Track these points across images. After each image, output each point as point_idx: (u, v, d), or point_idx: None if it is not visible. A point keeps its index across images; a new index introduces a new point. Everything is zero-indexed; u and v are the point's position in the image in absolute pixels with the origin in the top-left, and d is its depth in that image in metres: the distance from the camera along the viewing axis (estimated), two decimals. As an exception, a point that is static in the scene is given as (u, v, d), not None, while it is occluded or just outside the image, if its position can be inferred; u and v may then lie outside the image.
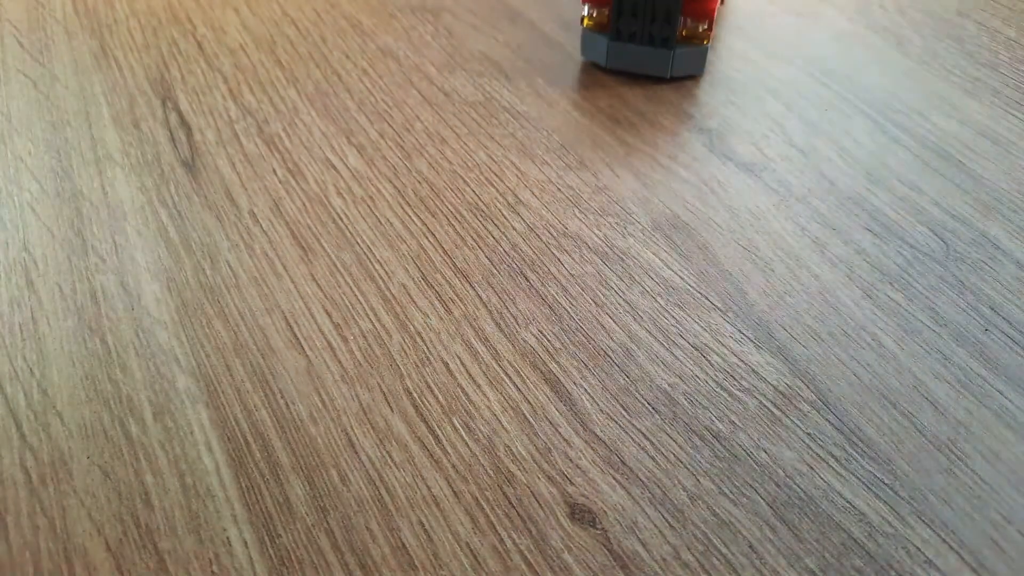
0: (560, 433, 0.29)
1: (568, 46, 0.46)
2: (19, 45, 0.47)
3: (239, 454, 0.29)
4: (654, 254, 0.35)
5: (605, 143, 0.40)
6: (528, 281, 0.34)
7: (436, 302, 0.33)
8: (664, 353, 0.31)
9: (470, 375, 0.31)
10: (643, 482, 0.28)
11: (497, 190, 0.38)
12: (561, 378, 0.31)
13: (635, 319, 0.32)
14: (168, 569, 0.26)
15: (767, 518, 0.27)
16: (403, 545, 0.26)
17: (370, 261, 0.35)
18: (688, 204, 0.37)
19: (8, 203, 0.38)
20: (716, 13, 0.42)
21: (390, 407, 0.30)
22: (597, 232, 0.36)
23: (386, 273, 0.34)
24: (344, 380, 0.31)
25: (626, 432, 0.29)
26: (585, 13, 0.43)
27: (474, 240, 0.36)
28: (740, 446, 0.28)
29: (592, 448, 0.29)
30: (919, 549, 0.26)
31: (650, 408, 0.30)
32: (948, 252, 0.34)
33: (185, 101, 0.43)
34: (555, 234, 0.36)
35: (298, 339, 0.32)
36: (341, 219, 0.37)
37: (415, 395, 0.30)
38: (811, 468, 0.28)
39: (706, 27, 0.41)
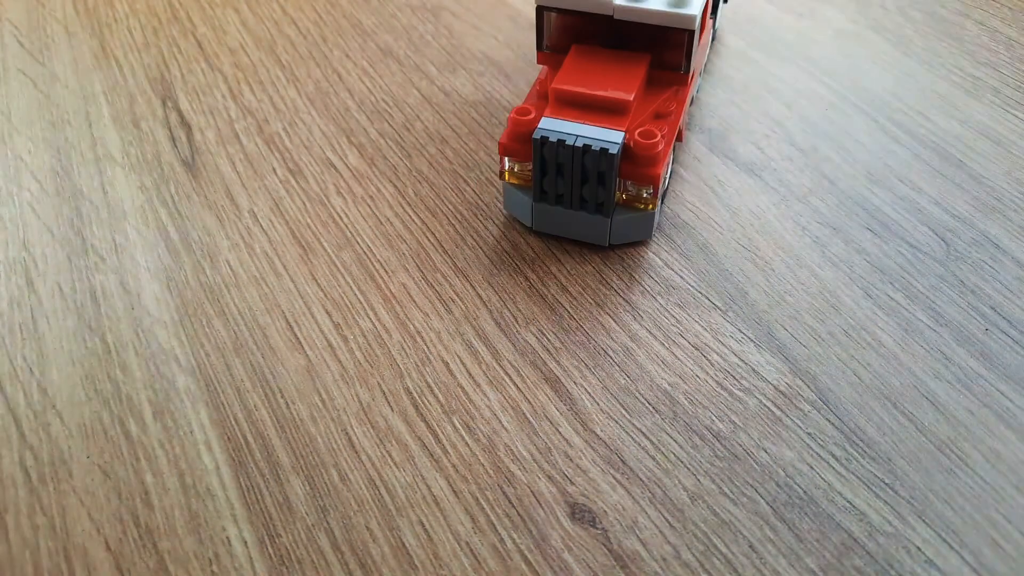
0: (560, 433, 0.29)
1: (568, 46, 0.46)
2: (19, 44, 0.47)
3: (239, 454, 0.29)
4: (654, 254, 0.35)
5: (605, 143, 0.40)
6: (528, 281, 0.34)
7: (436, 302, 0.33)
8: (664, 353, 0.31)
9: (470, 375, 0.31)
10: (643, 482, 0.28)
11: (498, 189, 0.38)
12: (561, 378, 0.31)
13: (635, 319, 0.32)
14: (168, 568, 0.26)
15: (767, 518, 0.27)
16: (403, 545, 0.26)
17: (370, 261, 0.35)
18: (688, 204, 0.37)
19: (8, 202, 0.38)
20: (664, 177, 0.33)
21: (390, 406, 0.30)
22: (597, 232, 0.36)
23: (386, 273, 0.34)
24: (344, 380, 0.31)
25: (626, 432, 0.29)
26: (505, 167, 0.34)
27: (474, 239, 0.36)
28: (740, 446, 0.28)
29: (592, 448, 0.29)
30: (919, 549, 0.26)
31: (650, 408, 0.30)
32: (948, 252, 0.34)
33: (185, 100, 0.43)
34: (555, 234, 0.36)
35: (298, 339, 0.32)
36: (341, 219, 0.37)
37: (415, 395, 0.30)
38: (811, 468, 0.28)
39: (651, 192, 0.33)
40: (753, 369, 0.31)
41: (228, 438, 0.29)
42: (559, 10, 0.34)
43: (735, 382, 0.30)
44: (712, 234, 0.35)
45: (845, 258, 0.34)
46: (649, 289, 0.33)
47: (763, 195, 0.37)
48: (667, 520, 0.27)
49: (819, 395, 0.30)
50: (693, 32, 0.33)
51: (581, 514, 0.27)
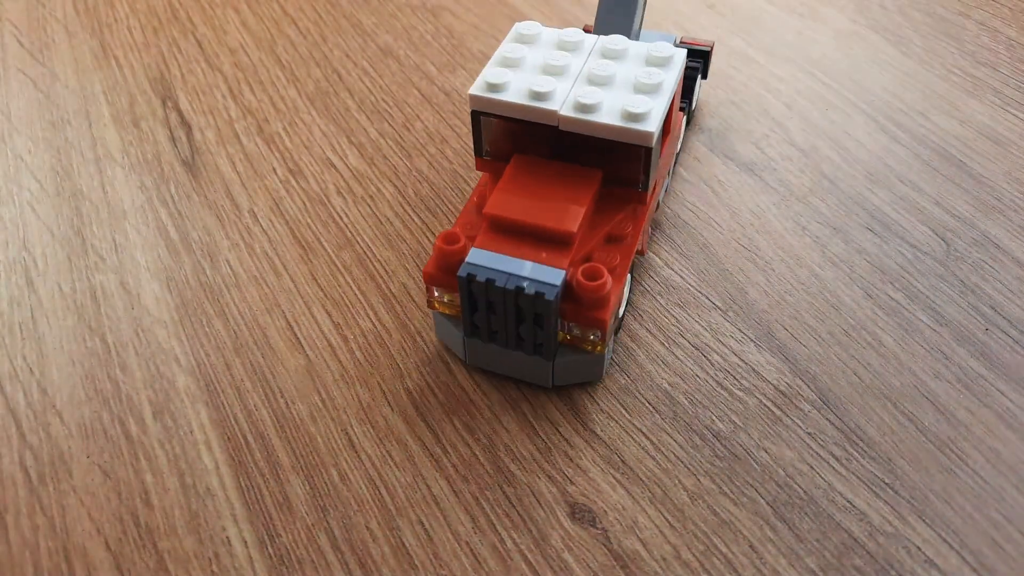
0: (560, 432, 0.29)
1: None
2: (19, 44, 0.47)
3: (239, 454, 0.29)
4: (654, 253, 0.35)
5: (605, 143, 0.40)
6: (528, 281, 0.34)
7: (436, 301, 0.33)
8: (664, 352, 0.31)
9: (470, 374, 0.31)
10: (643, 481, 0.28)
11: (497, 190, 0.38)
12: (561, 378, 0.31)
13: (635, 318, 0.32)
14: (168, 568, 0.26)
15: (767, 518, 0.27)
16: (403, 545, 0.26)
17: (370, 261, 0.35)
18: (688, 203, 0.37)
19: (8, 202, 0.38)
20: (615, 315, 0.29)
21: (390, 406, 0.30)
22: (597, 232, 0.36)
23: (386, 273, 0.34)
24: (344, 379, 0.31)
25: (626, 431, 0.29)
26: (434, 295, 0.30)
27: (474, 239, 0.36)
28: (740, 445, 0.28)
29: (592, 448, 0.29)
30: (919, 549, 0.26)
31: (650, 408, 0.30)
32: (948, 252, 0.34)
33: (185, 100, 0.43)
34: (555, 234, 0.36)
35: (298, 338, 0.32)
36: (341, 219, 0.37)
37: (415, 394, 0.30)
38: (811, 468, 0.28)
39: (598, 336, 0.28)
40: (753, 369, 0.31)
41: (228, 438, 0.29)
42: (498, 116, 0.30)
43: (735, 382, 0.30)
44: (712, 234, 0.35)
45: (845, 258, 0.34)
46: (649, 289, 0.33)
47: (763, 195, 0.37)
48: (667, 520, 0.27)
49: (819, 395, 0.30)
50: (651, 149, 0.29)
51: (581, 514, 0.27)
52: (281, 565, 0.26)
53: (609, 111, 0.29)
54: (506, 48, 0.31)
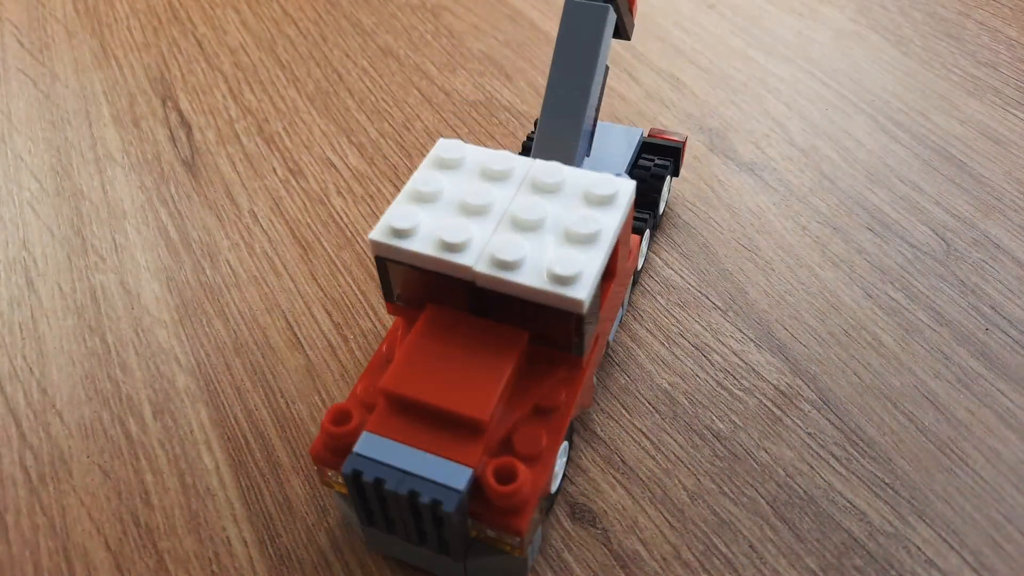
0: (560, 432, 0.29)
1: (568, 46, 0.46)
2: (19, 44, 0.47)
3: (239, 454, 0.29)
4: (654, 253, 0.35)
5: (605, 143, 0.40)
6: (528, 280, 0.34)
7: (436, 301, 0.33)
8: (664, 352, 0.31)
9: (470, 374, 0.31)
10: (643, 481, 0.28)
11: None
12: (561, 377, 0.31)
13: (635, 318, 0.32)
14: (168, 568, 0.26)
15: (767, 517, 0.27)
16: (403, 544, 0.26)
17: (370, 261, 0.35)
18: (689, 203, 0.37)
19: (8, 202, 0.38)
20: (534, 518, 0.23)
21: (390, 406, 0.30)
22: (597, 231, 0.36)
23: (386, 272, 0.34)
24: (344, 379, 0.31)
25: (626, 431, 0.29)
26: (328, 473, 0.25)
27: (474, 239, 0.36)
28: (740, 445, 0.28)
29: (592, 447, 0.29)
30: (919, 549, 0.26)
31: (650, 407, 0.30)
32: (948, 252, 0.34)
33: (185, 100, 0.43)
34: (555, 233, 0.36)
35: (298, 338, 0.32)
36: (341, 219, 0.37)
37: (415, 394, 0.30)
38: (812, 467, 0.28)
39: (517, 543, 0.23)
40: (753, 369, 0.31)
41: (228, 438, 0.29)
42: (405, 265, 0.25)
43: (735, 382, 0.30)
44: (712, 234, 0.35)
45: (845, 258, 0.34)
46: (649, 289, 0.33)
47: (763, 195, 0.37)
48: (667, 520, 0.27)
49: (819, 395, 0.30)
50: (581, 316, 0.24)
51: (581, 514, 0.27)
52: (281, 565, 0.26)
53: (532, 270, 0.24)
54: (420, 178, 0.26)
